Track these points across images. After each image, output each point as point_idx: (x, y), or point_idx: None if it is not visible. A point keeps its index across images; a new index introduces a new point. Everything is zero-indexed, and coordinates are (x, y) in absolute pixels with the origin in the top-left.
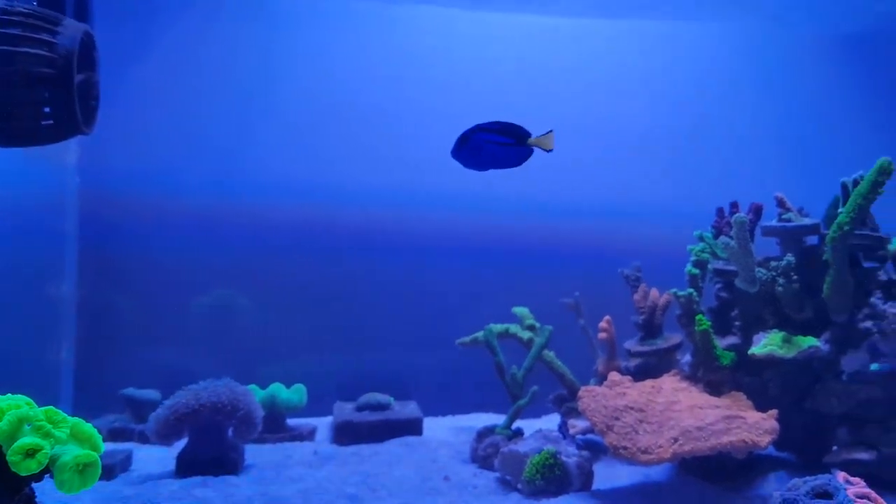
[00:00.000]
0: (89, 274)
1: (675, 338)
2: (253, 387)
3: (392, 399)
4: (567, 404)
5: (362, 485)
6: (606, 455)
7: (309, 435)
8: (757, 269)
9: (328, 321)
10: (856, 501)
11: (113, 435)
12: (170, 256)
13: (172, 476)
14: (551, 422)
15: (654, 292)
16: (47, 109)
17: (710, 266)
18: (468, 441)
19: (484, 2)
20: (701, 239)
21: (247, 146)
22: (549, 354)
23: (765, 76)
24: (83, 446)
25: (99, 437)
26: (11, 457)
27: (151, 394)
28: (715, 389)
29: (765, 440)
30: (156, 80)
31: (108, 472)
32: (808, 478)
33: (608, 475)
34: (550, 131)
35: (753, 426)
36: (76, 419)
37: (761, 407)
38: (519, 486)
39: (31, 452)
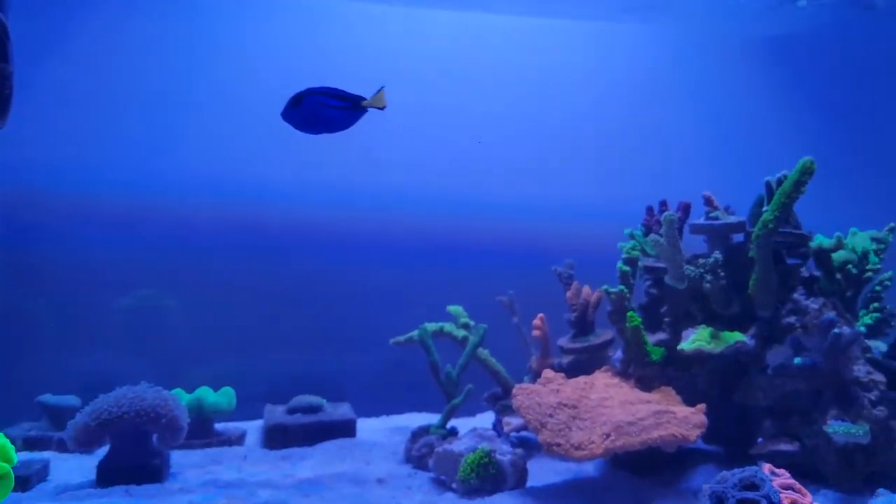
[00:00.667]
0: (3, 275)
1: (606, 334)
2: (179, 391)
3: (324, 401)
4: (501, 402)
5: (294, 489)
6: (540, 452)
7: (238, 439)
8: (685, 266)
9: (257, 322)
10: (781, 492)
11: (29, 444)
12: (89, 256)
13: (93, 486)
14: (486, 420)
15: (586, 289)
16: None
17: (640, 263)
18: (402, 441)
19: None
20: (631, 237)
21: (170, 143)
22: (484, 353)
23: (692, 77)
24: None
25: (11, 448)
26: None
27: (70, 400)
28: (645, 385)
29: (694, 434)
30: (74, 74)
31: (24, 484)
32: (735, 470)
33: (542, 472)
34: (381, 89)
35: (683, 421)
36: None
37: (690, 401)
38: (454, 485)
39: None
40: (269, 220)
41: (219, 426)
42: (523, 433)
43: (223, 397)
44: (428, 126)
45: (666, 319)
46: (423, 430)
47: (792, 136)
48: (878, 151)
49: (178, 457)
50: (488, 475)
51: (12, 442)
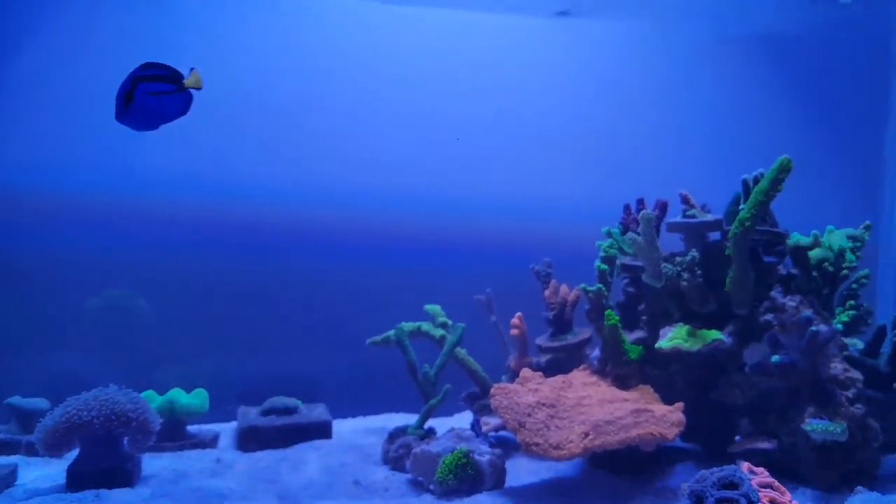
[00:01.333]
0: None
1: (584, 333)
2: (150, 392)
3: (299, 402)
4: (479, 402)
5: (268, 493)
6: (519, 452)
7: (211, 442)
8: (663, 265)
9: (231, 322)
10: (760, 490)
11: None
12: (58, 255)
13: (62, 490)
14: (464, 420)
15: (563, 288)
16: None
17: (617, 262)
18: (379, 443)
19: None
20: (609, 235)
21: (141, 141)
22: (462, 352)
23: (670, 75)
24: None
25: None
26: None
27: (39, 403)
28: (623, 383)
29: (672, 432)
30: (42, 70)
31: None
32: (714, 469)
33: (521, 472)
34: (193, 69)
35: (661, 419)
36: None
37: (668, 399)
38: (431, 486)
39: None
40: (243, 218)
41: (191, 428)
42: (501, 433)
43: (196, 399)
44: (408, 125)
45: (643, 318)
46: (401, 431)
47: (769, 134)
48: (855, 150)
49: (149, 460)
50: (466, 476)
51: None
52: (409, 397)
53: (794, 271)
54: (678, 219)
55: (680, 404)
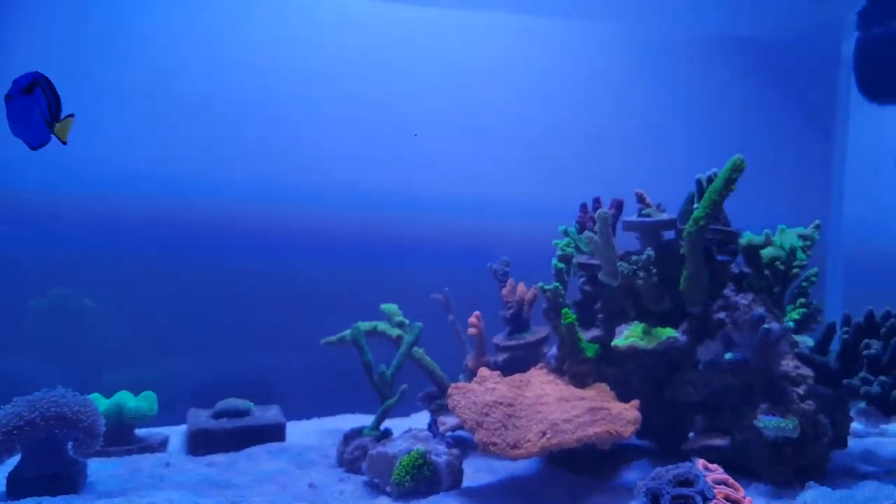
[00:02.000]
0: None
1: (541, 331)
2: (97, 395)
3: (252, 404)
4: (437, 402)
5: (219, 497)
6: (476, 451)
7: (160, 446)
8: (619, 263)
9: (180, 322)
10: (714, 487)
11: None
12: (2, 255)
13: (3, 498)
14: (421, 420)
15: (521, 287)
16: None
17: (574, 260)
18: (335, 444)
19: None
20: (566, 234)
21: (89, 136)
22: (419, 352)
23: (624, 75)
24: None
25: None
26: None
27: None
28: (580, 381)
29: (628, 430)
30: None
31: None
32: (670, 466)
33: (478, 472)
34: (70, 116)
35: (617, 417)
36: None
37: (624, 397)
38: (388, 488)
39: None
40: (194, 215)
41: (140, 432)
42: (459, 433)
43: (144, 402)
44: (362, 120)
45: (600, 316)
46: (357, 433)
47: (723, 134)
48: (806, 150)
49: (95, 465)
50: (423, 477)
51: None
52: (366, 398)
53: (746, 270)
54: (634, 218)
55: (636, 402)
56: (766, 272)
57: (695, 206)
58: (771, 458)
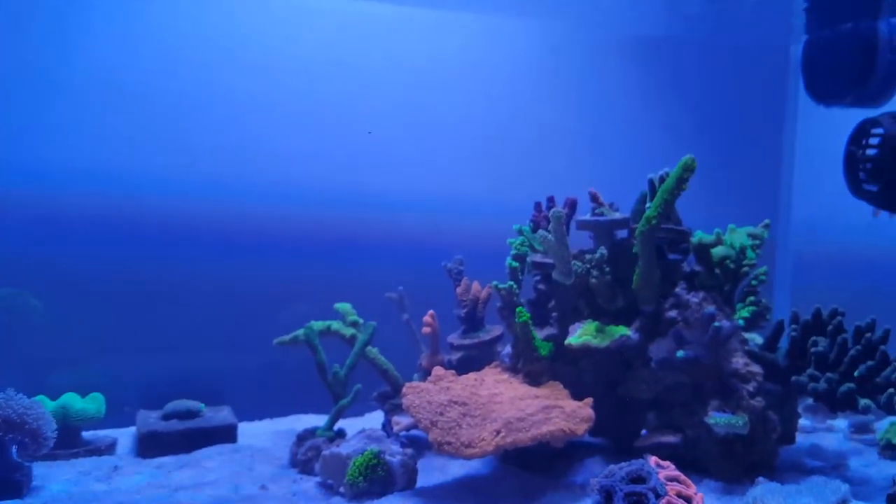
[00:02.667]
0: None
1: (496, 330)
2: (42, 397)
3: (203, 405)
4: (391, 401)
5: (170, 500)
6: (431, 451)
7: (108, 448)
8: (572, 262)
9: (129, 322)
10: (667, 484)
11: None
12: None
13: None
14: (375, 420)
15: (475, 285)
16: None
17: (528, 259)
18: (287, 445)
19: None
20: (520, 233)
21: (32, 128)
22: (373, 351)
23: (577, 74)
24: None
25: None
26: None
27: None
28: (534, 380)
29: (581, 428)
30: None
31: None
32: (623, 464)
33: (433, 471)
34: None
35: (571, 415)
36: None
37: (577, 395)
38: (341, 489)
39: None
40: (143, 212)
41: (87, 435)
42: (413, 432)
43: (91, 403)
44: (314, 118)
45: (554, 314)
46: (310, 433)
47: (675, 134)
48: (755, 150)
49: (41, 469)
50: (377, 477)
51: None
52: (319, 398)
53: (697, 268)
54: (587, 217)
55: (589, 400)
56: (717, 271)
57: (647, 205)
58: (721, 454)
